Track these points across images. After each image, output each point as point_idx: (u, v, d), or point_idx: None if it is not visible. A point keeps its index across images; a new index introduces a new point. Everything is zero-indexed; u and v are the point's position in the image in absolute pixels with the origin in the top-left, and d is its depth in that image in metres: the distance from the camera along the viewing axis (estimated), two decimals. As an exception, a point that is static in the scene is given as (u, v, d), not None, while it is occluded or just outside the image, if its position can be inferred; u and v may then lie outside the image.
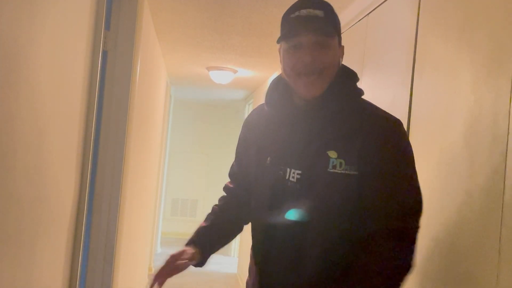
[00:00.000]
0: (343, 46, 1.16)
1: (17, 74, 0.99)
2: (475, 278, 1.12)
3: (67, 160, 1.44)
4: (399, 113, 1.61)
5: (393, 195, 1.06)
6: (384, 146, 1.07)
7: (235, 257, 6.07)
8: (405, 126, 1.56)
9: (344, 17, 2.34)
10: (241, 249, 5.36)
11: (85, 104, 1.58)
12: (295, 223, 1.10)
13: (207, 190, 7.29)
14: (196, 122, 7.47)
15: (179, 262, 1.19)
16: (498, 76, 1.12)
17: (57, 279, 1.43)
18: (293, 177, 1.11)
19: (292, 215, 1.11)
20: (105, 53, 1.92)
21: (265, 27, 2.88)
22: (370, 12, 2.04)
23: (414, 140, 1.51)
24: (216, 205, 1.38)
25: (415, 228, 1.08)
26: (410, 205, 1.07)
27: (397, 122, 1.12)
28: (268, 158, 1.16)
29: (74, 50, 1.41)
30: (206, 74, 4.61)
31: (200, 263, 1.27)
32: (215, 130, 7.49)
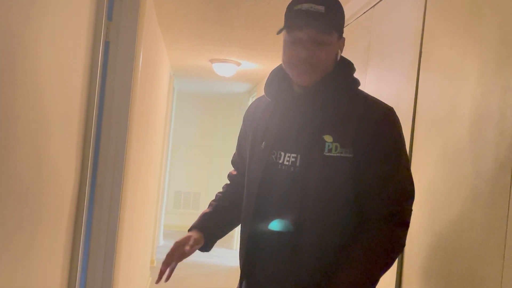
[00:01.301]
0: (343, 39, 1.17)
1: (17, 64, 0.98)
2: (479, 274, 1.11)
3: (67, 152, 1.43)
4: (404, 106, 1.59)
5: (390, 180, 1.10)
6: (379, 131, 1.10)
7: (237, 250, 6.06)
8: (410, 120, 1.54)
9: (349, 9, 2.31)
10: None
11: (86, 94, 1.57)
12: (288, 207, 1.12)
13: (210, 183, 7.29)
14: (199, 115, 7.46)
15: (185, 248, 1.22)
16: (505, 69, 1.09)
17: (57, 270, 1.42)
18: (287, 161, 1.14)
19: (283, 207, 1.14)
20: (107, 44, 1.90)
21: (269, 19, 2.85)
22: (375, 4, 2.01)
23: (419, 133, 1.49)
24: (219, 192, 1.41)
25: (409, 211, 1.13)
26: (406, 189, 1.13)
27: (391, 110, 1.15)
28: (263, 143, 1.19)
29: (75, 41, 1.40)
30: (210, 67, 4.59)
31: (205, 247, 1.30)
32: (218, 123, 7.47)
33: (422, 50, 1.53)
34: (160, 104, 4.01)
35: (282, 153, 1.15)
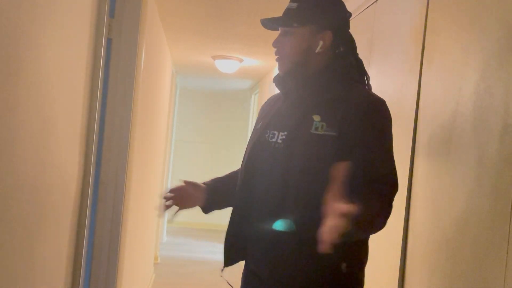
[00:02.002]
0: (328, 32, 1.23)
1: (20, 61, 0.98)
2: (483, 271, 1.10)
3: (71, 148, 1.43)
4: (407, 102, 1.58)
5: (373, 163, 1.12)
6: (366, 116, 1.15)
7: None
8: (412, 115, 1.53)
9: (351, 4, 2.30)
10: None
11: (89, 92, 1.57)
12: (272, 181, 1.18)
13: (213, 180, 7.29)
14: (202, 112, 7.46)
15: (191, 192, 1.35)
16: (509, 64, 1.09)
17: (60, 267, 1.43)
18: (280, 139, 1.21)
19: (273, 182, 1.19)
20: (109, 41, 1.90)
21: (271, 15, 2.83)
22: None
23: (422, 129, 1.49)
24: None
25: (390, 195, 1.13)
26: (388, 175, 1.14)
27: (382, 101, 1.20)
28: (260, 123, 1.31)
29: (78, 38, 1.40)
30: (212, 63, 4.59)
31: (206, 207, 1.41)
32: (220, 120, 7.47)
33: (425, 45, 1.52)
34: (163, 101, 4.01)
35: (276, 133, 1.23)
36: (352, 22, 2.28)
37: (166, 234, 6.24)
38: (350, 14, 1.30)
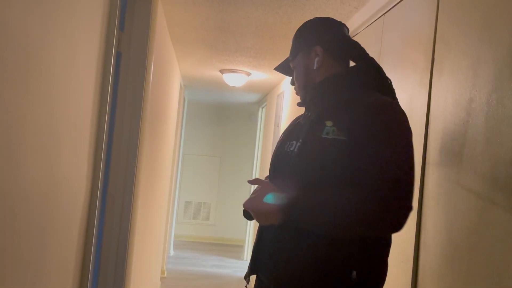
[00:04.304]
0: (316, 47, 1.33)
1: (30, 74, 0.99)
2: (498, 283, 1.07)
3: (79, 161, 1.43)
4: (417, 113, 1.57)
5: (386, 166, 1.09)
6: (373, 118, 1.15)
7: (247, 260, 6.04)
8: (423, 126, 1.52)
9: (359, 18, 2.30)
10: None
11: (98, 104, 1.57)
12: (290, 186, 1.18)
13: (220, 193, 7.28)
14: (210, 125, 7.48)
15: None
16: (522, 74, 1.07)
17: (67, 279, 1.42)
18: (297, 148, 1.25)
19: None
20: (119, 54, 1.91)
21: (279, 28, 2.86)
22: (386, 12, 2.00)
23: (433, 140, 1.47)
24: None
25: (396, 192, 1.08)
26: (400, 177, 1.09)
27: (392, 101, 1.22)
28: (282, 135, 1.39)
29: (88, 51, 1.41)
30: (220, 77, 4.61)
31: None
32: (228, 133, 7.48)
33: (435, 56, 1.51)
34: (171, 114, 4.03)
35: (294, 142, 1.28)
36: (361, 34, 2.29)
37: (173, 248, 6.21)
38: (338, 24, 1.37)
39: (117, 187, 1.95)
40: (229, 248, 6.84)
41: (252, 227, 5.80)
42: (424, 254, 1.46)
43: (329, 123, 1.19)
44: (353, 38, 2.25)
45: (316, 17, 1.40)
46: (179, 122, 5.36)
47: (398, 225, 1.09)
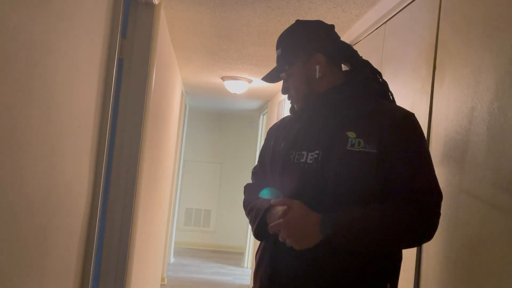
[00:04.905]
0: (317, 54, 1.25)
1: (33, 79, 0.99)
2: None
3: (80, 167, 1.43)
4: (419, 120, 1.56)
5: (413, 176, 1.11)
6: (404, 130, 1.14)
7: (248, 268, 6.02)
8: (425, 133, 1.52)
9: (360, 26, 2.31)
10: (254, 260, 5.29)
11: (100, 110, 1.58)
12: (307, 202, 1.13)
13: (221, 200, 7.26)
14: (211, 132, 7.49)
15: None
16: (524, 82, 1.07)
17: (68, 287, 1.41)
18: (310, 159, 1.17)
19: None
20: (121, 61, 1.92)
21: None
22: (388, 20, 2.01)
23: (434, 148, 1.47)
24: (251, 193, 1.39)
25: (433, 204, 1.12)
26: (429, 185, 1.12)
27: (412, 113, 1.20)
28: (282, 143, 1.28)
29: (90, 57, 1.42)
30: (221, 84, 4.62)
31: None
32: (229, 140, 7.48)
33: (436, 64, 1.52)
34: (172, 120, 4.03)
35: (305, 153, 1.20)
36: (362, 42, 2.30)
37: (173, 255, 6.19)
38: (331, 28, 1.31)
39: (118, 193, 1.95)
40: (229, 256, 6.82)
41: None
42: (426, 262, 1.45)
43: (352, 134, 1.14)
44: (354, 46, 2.26)
45: (305, 21, 1.31)
46: (180, 128, 5.37)
47: (433, 233, 1.13)
